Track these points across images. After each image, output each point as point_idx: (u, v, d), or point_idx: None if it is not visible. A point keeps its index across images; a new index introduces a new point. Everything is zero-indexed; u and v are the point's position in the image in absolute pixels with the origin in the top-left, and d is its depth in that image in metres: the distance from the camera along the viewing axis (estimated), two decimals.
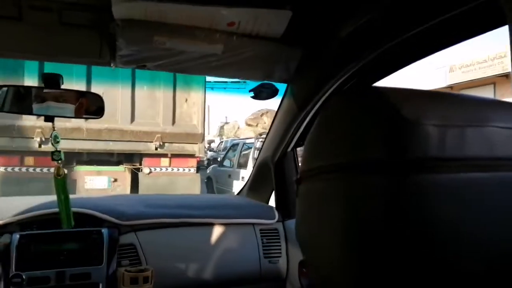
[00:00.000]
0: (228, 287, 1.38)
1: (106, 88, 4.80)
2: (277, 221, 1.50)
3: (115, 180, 5.56)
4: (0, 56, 1.19)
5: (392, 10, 0.84)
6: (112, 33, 1.04)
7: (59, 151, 1.14)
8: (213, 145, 18.10)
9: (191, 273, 1.32)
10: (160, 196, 1.81)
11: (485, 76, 11.99)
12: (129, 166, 5.64)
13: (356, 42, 0.99)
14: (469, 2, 0.69)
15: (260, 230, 1.46)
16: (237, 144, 8.18)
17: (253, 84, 1.43)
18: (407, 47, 0.90)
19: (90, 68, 4.98)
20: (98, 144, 5.19)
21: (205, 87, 5.80)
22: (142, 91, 5.35)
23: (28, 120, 4.76)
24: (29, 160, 5.06)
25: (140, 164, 5.63)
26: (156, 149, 5.43)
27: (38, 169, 5.06)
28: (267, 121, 12.80)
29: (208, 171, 9.48)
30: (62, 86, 1.11)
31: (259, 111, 13.95)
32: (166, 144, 5.47)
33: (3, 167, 5.02)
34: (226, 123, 23.57)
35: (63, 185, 1.16)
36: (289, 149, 1.53)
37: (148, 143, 5.41)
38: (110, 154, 5.49)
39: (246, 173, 6.54)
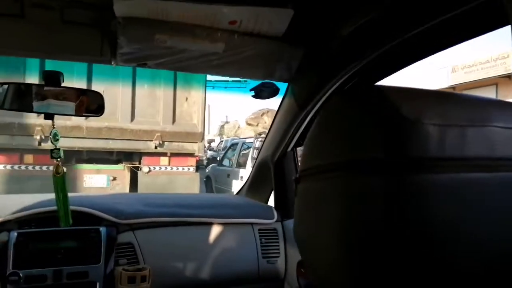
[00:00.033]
0: (226, 286, 1.38)
1: (106, 86, 4.80)
2: (276, 221, 1.50)
3: (114, 179, 5.56)
4: (1, 53, 1.19)
5: (394, 10, 0.84)
6: (113, 31, 1.03)
7: (59, 149, 1.13)
8: (213, 145, 18.10)
9: (189, 273, 1.31)
10: (159, 195, 1.81)
11: (488, 76, 11.97)
12: (129, 165, 5.64)
13: (358, 42, 0.99)
14: (470, 2, 0.69)
15: (259, 230, 1.46)
16: (237, 144, 8.17)
17: (254, 83, 1.43)
18: (409, 46, 0.90)
19: (91, 66, 4.98)
20: (98, 143, 5.20)
21: (205, 86, 5.80)
22: (142, 90, 5.35)
23: (29, 118, 4.75)
24: (29, 158, 5.07)
25: (140, 163, 5.63)
26: (155, 148, 5.43)
27: (37, 167, 5.07)
28: (267, 120, 12.79)
29: (207, 171, 9.48)
30: (63, 84, 1.11)
31: (259, 110, 13.94)
32: (165, 143, 5.46)
33: (3, 165, 5.03)
34: (227, 122, 23.55)
35: (61, 183, 1.15)
36: (289, 148, 1.53)
37: (148, 142, 5.40)
38: (109, 152, 5.49)
39: (245, 173, 6.54)
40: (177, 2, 0.94)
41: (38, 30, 1.05)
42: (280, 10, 0.98)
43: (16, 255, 1.10)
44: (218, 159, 10.07)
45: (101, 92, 1.21)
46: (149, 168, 5.58)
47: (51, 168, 1.13)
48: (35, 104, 1.12)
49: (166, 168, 5.64)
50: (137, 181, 5.57)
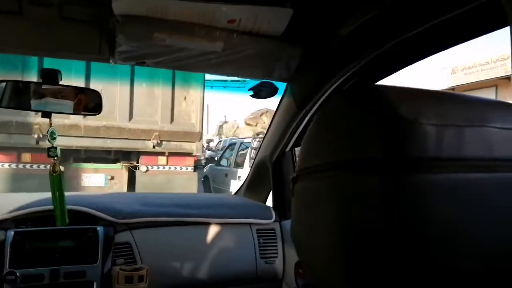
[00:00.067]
0: (224, 287, 1.38)
1: (105, 85, 4.79)
2: (274, 221, 1.50)
3: (112, 178, 5.56)
4: None
5: (393, 10, 0.84)
6: (111, 29, 1.03)
7: (55, 148, 1.13)
8: (212, 144, 18.10)
9: (186, 273, 1.31)
10: (156, 195, 1.80)
11: (487, 78, 11.97)
12: (126, 164, 5.64)
13: (357, 41, 0.98)
14: (470, 3, 0.69)
15: (257, 230, 1.46)
16: (235, 144, 8.18)
17: (253, 82, 1.42)
18: (408, 47, 0.90)
19: (89, 64, 4.98)
20: (95, 142, 5.19)
21: (204, 85, 5.80)
22: (140, 89, 5.35)
23: (27, 116, 4.75)
24: (27, 156, 5.06)
25: (137, 162, 5.62)
26: (153, 147, 5.42)
27: (35, 166, 5.06)
28: (266, 120, 12.79)
29: (205, 170, 9.47)
30: (61, 82, 1.10)
31: (258, 110, 13.93)
32: (163, 142, 5.46)
33: (0, 164, 5.02)
34: (225, 122, 23.52)
35: (58, 182, 1.15)
36: (288, 148, 1.53)
37: (146, 141, 5.40)
38: (107, 151, 5.49)
39: (243, 173, 6.55)
40: (176, 0, 0.94)
41: (36, 27, 1.04)
42: (279, 9, 0.98)
43: (13, 254, 1.09)
44: (216, 159, 10.06)
45: (99, 91, 1.21)
46: (147, 167, 5.57)
47: (49, 167, 1.13)
48: (33, 102, 1.12)
49: (164, 168, 5.64)
50: (135, 181, 5.57)
